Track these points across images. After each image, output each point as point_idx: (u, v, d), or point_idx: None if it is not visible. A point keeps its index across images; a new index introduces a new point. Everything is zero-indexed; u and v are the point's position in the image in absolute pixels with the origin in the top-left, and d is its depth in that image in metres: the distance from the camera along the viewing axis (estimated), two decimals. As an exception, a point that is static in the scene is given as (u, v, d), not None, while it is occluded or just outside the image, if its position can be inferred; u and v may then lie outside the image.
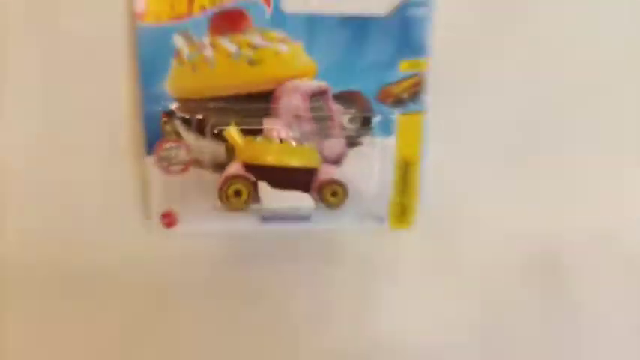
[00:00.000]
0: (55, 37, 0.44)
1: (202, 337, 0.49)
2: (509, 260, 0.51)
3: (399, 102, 0.48)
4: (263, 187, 0.41)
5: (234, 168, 0.41)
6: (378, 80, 0.47)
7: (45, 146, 0.46)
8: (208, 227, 0.46)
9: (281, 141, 0.42)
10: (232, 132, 0.41)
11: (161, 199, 0.46)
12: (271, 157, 0.41)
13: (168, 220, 0.47)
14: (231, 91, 0.45)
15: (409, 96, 0.48)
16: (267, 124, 0.42)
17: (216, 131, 0.44)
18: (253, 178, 0.41)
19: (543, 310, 0.52)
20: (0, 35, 0.43)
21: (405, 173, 0.48)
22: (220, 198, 0.41)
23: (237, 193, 0.41)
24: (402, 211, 0.49)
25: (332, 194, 0.43)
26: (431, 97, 0.48)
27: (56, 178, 0.46)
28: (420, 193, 0.48)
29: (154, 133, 0.45)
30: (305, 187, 0.43)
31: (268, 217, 0.46)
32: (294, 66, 0.46)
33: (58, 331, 0.48)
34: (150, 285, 0.48)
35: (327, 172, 0.43)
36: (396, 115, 0.48)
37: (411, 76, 0.48)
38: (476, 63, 0.48)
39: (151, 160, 0.45)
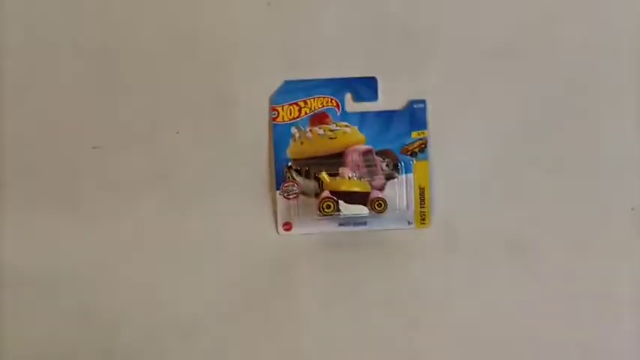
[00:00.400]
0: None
1: (318, 299, 0.72)
2: (494, 243, 0.79)
3: (413, 154, 0.84)
4: (341, 203, 0.70)
5: (325, 193, 0.76)
6: (401, 143, 0.80)
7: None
8: (311, 230, 0.80)
9: (349, 178, 0.78)
10: (323, 175, 0.78)
11: (283, 215, 0.73)
12: (344, 186, 0.70)
13: (287, 227, 0.84)
14: (321, 154, 0.74)
15: (419, 150, 0.84)
16: (341, 170, 0.80)
17: (314, 175, 0.77)
18: (335, 198, 0.76)
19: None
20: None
21: (422, 194, 0.83)
22: (318, 210, 0.77)
23: (328, 207, 0.71)
24: (422, 217, 0.84)
25: (378, 206, 0.78)
26: (432, 150, 0.81)
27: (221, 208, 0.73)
28: (432, 206, 0.81)
29: (280, 178, 0.75)
30: (363, 203, 0.77)
31: (343, 222, 0.82)
32: (354, 138, 0.79)
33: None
34: (278, 266, 0.83)
35: (375, 194, 0.79)
36: (413, 161, 0.83)
37: (419, 140, 0.84)
38: (453, 125, 0.74)
39: (278, 192, 0.81)
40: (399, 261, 0.72)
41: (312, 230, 0.73)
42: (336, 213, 0.70)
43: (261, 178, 0.71)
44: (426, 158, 0.74)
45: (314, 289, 0.70)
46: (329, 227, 0.73)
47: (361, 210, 0.72)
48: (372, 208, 0.76)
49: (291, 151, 0.73)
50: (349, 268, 0.73)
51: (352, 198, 0.75)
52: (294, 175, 0.73)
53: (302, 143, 0.74)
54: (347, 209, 0.74)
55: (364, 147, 0.73)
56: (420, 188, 0.75)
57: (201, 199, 0.68)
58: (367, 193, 0.77)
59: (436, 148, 0.72)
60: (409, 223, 0.75)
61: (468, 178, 0.70)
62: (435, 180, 0.72)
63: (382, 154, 0.75)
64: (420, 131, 0.73)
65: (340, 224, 0.74)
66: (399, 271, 0.73)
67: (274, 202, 0.72)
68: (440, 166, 0.73)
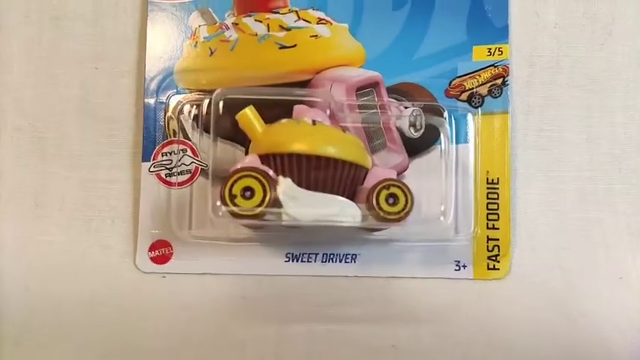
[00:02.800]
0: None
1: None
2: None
3: (475, 99, 0.37)
4: (286, 185, 0.28)
5: (249, 159, 0.28)
6: (447, 72, 0.36)
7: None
8: (215, 265, 0.34)
9: (314, 123, 0.30)
10: (249, 114, 0.30)
11: (152, 224, 0.35)
12: (300, 143, 0.28)
13: (160, 255, 0.35)
14: (256, 81, 0.35)
15: (490, 92, 0.37)
16: (299, 110, 0.31)
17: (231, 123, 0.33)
18: (272, 173, 0.28)
19: None
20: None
21: (494, 193, 0.35)
22: (223, 201, 0.28)
23: (248, 193, 0.27)
24: (493, 254, 0.35)
25: (390, 202, 0.29)
26: (518, 92, 0.36)
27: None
28: (515, 224, 0.35)
29: (154, 135, 0.35)
30: (350, 193, 0.29)
31: (297, 247, 0.32)
32: (337, 52, 0.36)
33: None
34: None
35: (383, 172, 0.30)
36: (475, 115, 0.36)
37: (490, 66, 0.37)
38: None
39: (148, 169, 0.35)
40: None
41: (218, 266, 0.35)
42: (270, 211, 0.28)
43: (104, 132, 0.37)
44: (504, 110, 0.36)
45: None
46: (260, 259, 0.35)
47: (343, 209, 0.28)
48: (374, 207, 0.28)
49: (185, 68, 0.36)
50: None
51: (319, 175, 0.29)
52: (188, 127, 0.34)
53: (212, 53, 0.36)
54: (303, 202, 0.27)
55: (361, 74, 0.35)
56: (489, 180, 0.36)
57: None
58: (358, 171, 0.29)
59: (529, 89, 0.38)
60: (459, 265, 0.35)
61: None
62: (523, 162, 0.37)
63: (402, 93, 0.35)
64: (491, 45, 0.36)
65: (289, 254, 0.35)
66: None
67: (135, 190, 0.36)
68: (536, 129, 0.37)
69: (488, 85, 0.37)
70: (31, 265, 0.34)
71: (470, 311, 0.33)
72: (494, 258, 0.36)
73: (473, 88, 0.36)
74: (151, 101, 0.36)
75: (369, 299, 0.33)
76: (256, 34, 0.36)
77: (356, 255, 0.36)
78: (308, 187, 0.28)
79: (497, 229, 0.36)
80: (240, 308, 0.33)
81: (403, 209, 0.29)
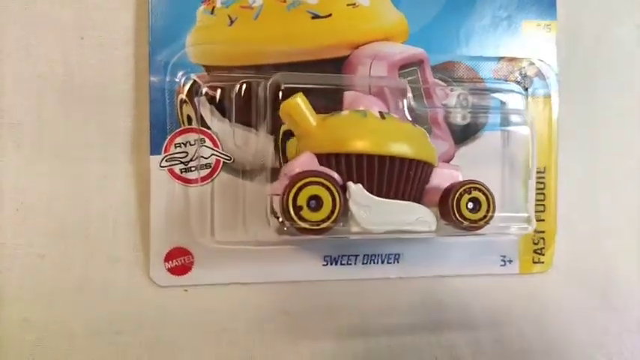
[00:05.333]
0: None
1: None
2: None
3: (523, 80, 0.34)
4: (357, 192, 0.23)
5: (305, 159, 0.24)
6: (494, 47, 0.32)
7: None
8: (247, 276, 0.30)
9: (383, 116, 0.25)
10: (300, 104, 0.25)
11: (167, 230, 0.29)
12: (373, 142, 0.23)
13: (179, 265, 0.29)
14: (282, 58, 0.30)
15: (535, 73, 0.34)
16: (351, 97, 0.26)
17: (266, 109, 0.28)
18: (338, 178, 0.24)
19: None
20: None
21: (542, 186, 0.32)
22: (284, 212, 0.23)
23: (314, 203, 0.22)
24: (537, 247, 0.33)
25: (470, 207, 0.25)
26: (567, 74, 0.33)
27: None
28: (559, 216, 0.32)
29: (164, 122, 0.29)
30: (416, 192, 0.25)
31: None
32: (378, 24, 0.31)
33: None
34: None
35: (447, 172, 0.27)
36: (525, 98, 0.33)
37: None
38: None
39: (159, 163, 0.29)
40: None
41: (248, 274, 0.30)
42: (331, 226, 0.23)
43: (94, 117, 0.30)
44: (548, 93, 0.33)
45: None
46: (295, 264, 0.30)
47: (418, 217, 0.24)
48: (454, 214, 0.25)
49: (198, 40, 0.29)
50: None
51: (395, 179, 0.25)
52: (206, 112, 0.29)
53: (232, 22, 0.30)
54: (376, 212, 0.23)
55: (404, 51, 0.30)
56: (537, 172, 0.33)
57: None
58: (430, 168, 0.25)
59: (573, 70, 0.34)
60: (504, 260, 0.33)
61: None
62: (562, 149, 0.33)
63: (447, 72, 0.31)
64: (541, 21, 0.32)
65: (326, 257, 0.31)
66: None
67: (139, 188, 0.30)
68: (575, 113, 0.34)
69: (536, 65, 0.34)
70: (22, 288, 0.27)
71: (522, 309, 0.31)
72: (539, 251, 0.34)
73: (522, 68, 0.33)
74: (158, 80, 0.29)
75: (421, 304, 0.30)
76: (285, 1, 0.30)
77: (399, 255, 0.32)
78: (379, 192, 0.24)
79: (543, 220, 0.34)
80: (281, 323, 0.28)
81: (484, 216, 0.25)
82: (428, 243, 0.33)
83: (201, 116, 0.29)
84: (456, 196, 0.25)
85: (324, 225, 0.23)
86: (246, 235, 0.29)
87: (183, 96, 0.29)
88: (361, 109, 0.25)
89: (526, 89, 0.33)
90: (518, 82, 0.33)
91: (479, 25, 0.32)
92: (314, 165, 0.24)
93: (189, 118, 0.30)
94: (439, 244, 0.33)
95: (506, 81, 0.33)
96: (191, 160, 0.29)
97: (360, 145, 0.23)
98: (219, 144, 0.30)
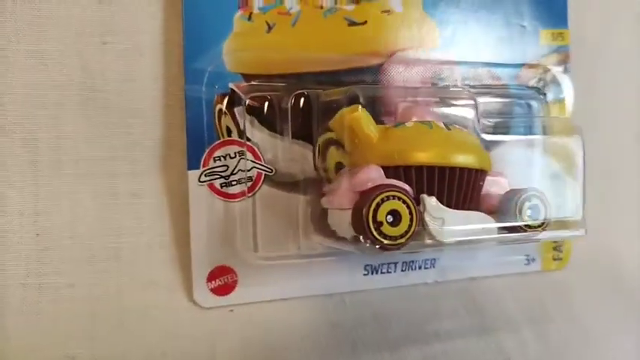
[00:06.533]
0: None
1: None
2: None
3: (543, 86, 0.35)
4: (431, 204, 0.23)
5: (374, 173, 0.23)
6: (519, 54, 0.33)
7: None
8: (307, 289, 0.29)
9: (448, 127, 0.25)
10: (362, 116, 0.24)
11: (209, 248, 0.27)
12: (448, 154, 0.23)
13: (222, 285, 0.28)
14: (318, 66, 0.29)
15: (552, 79, 0.35)
16: (406, 109, 0.26)
17: (317, 116, 0.26)
18: (409, 190, 0.23)
19: None
20: None
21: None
22: (364, 229, 0.22)
23: (394, 217, 0.22)
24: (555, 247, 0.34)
25: (527, 212, 0.26)
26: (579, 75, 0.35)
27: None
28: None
29: (202, 136, 0.27)
30: (475, 200, 0.26)
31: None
32: (411, 32, 0.31)
33: None
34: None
35: (497, 181, 0.27)
36: (542, 103, 0.34)
37: (555, 52, 0.35)
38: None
39: (198, 179, 0.27)
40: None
41: (292, 289, 0.29)
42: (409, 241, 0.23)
43: (119, 129, 0.28)
44: (562, 98, 0.34)
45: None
46: (337, 275, 0.30)
47: (484, 225, 0.25)
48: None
49: (236, 47, 0.28)
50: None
51: (463, 190, 0.25)
52: (247, 123, 0.27)
53: (271, 29, 0.28)
54: (448, 223, 0.24)
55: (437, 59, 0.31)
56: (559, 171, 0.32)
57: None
58: (483, 177, 0.26)
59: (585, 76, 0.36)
60: (528, 259, 0.34)
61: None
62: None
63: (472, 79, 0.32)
64: (554, 30, 0.34)
65: (367, 266, 0.31)
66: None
67: (173, 205, 0.28)
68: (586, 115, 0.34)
69: (552, 71, 0.35)
70: (56, 322, 0.25)
71: (555, 305, 0.32)
72: (558, 248, 0.36)
73: (542, 74, 0.35)
74: (194, 89, 0.28)
75: (462, 308, 0.31)
76: (321, 7, 0.29)
77: (435, 259, 0.33)
78: (448, 203, 0.24)
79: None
80: (332, 336, 0.28)
81: (543, 222, 0.26)
82: (459, 247, 0.33)
83: (239, 127, 0.28)
84: (518, 203, 0.25)
85: (403, 240, 0.22)
86: (295, 249, 0.28)
87: (222, 106, 0.28)
88: (427, 120, 0.25)
89: (544, 94, 0.35)
90: (538, 88, 0.34)
91: (507, 33, 0.33)
92: (383, 178, 0.23)
93: (229, 130, 0.28)
94: (469, 247, 0.34)
95: (527, 87, 0.34)
96: (232, 173, 0.28)
97: (431, 157, 0.23)
98: (260, 156, 0.28)
